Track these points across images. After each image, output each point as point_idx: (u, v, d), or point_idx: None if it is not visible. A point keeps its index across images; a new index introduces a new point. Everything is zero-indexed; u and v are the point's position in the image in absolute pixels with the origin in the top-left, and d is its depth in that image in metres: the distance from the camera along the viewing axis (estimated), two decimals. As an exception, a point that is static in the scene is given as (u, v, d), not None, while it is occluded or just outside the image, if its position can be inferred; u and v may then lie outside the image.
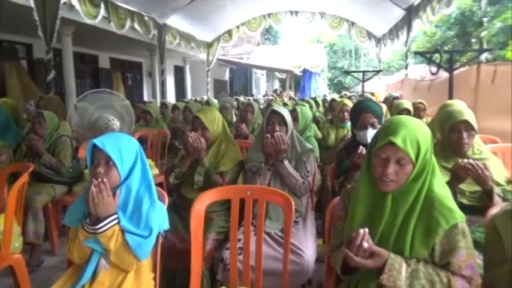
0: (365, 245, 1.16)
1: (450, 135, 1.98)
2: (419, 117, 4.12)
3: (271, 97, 12.40)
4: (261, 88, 23.35)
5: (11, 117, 3.45)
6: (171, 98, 12.61)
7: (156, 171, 3.79)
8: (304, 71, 18.01)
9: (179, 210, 2.27)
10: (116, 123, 3.67)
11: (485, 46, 5.43)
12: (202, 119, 2.32)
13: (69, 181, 3.19)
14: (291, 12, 11.69)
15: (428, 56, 4.79)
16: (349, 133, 3.20)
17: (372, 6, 9.38)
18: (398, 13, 8.86)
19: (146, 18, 8.17)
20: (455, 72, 4.20)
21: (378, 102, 4.40)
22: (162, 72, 10.03)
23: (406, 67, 9.85)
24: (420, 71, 14.24)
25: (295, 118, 3.20)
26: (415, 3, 7.89)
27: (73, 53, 7.08)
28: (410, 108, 4.19)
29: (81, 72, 10.22)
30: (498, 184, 1.91)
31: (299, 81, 20.21)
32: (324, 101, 8.52)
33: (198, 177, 2.23)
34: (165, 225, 1.49)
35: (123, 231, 1.40)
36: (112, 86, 11.15)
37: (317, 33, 31.07)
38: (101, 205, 1.35)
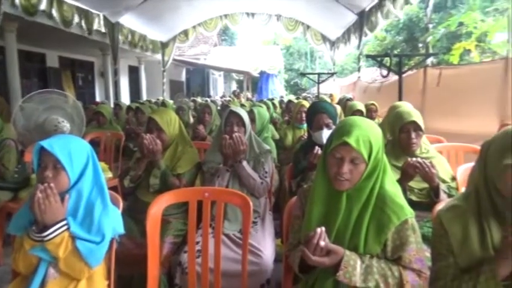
0: (322, 243, 1.18)
1: (400, 136, 2.07)
2: (372, 118, 4.29)
3: (228, 98, 12.38)
4: (219, 89, 23.25)
5: None
6: (125, 99, 12.23)
7: (110, 174, 3.66)
8: (262, 72, 18.13)
9: (135, 214, 2.20)
10: (66, 125, 3.49)
11: (430, 51, 5.74)
12: (158, 121, 2.27)
13: (15, 187, 3.01)
14: (248, 13, 11.74)
15: (379, 59, 4.97)
16: (306, 134, 3.27)
17: (326, 11, 9.63)
18: (351, 18, 9.16)
19: (95, 16, 7.86)
20: (404, 75, 4.40)
21: (332, 103, 4.51)
22: (116, 72, 9.70)
23: (359, 70, 10.23)
24: (372, 73, 14.81)
25: (252, 119, 3.21)
26: (367, 9, 8.20)
27: (18, 51, 6.66)
28: (363, 109, 4.34)
29: (27, 72, 9.65)
30: (444, 181, 2.02)
31: (256, 83, 20.31)
32: (281, 102, 8.62)
33: (154, 180, 2.18)
34: (120, 229, 1.45)
35: (73, 237, 1.34)
36: (61, 86, 10.63)
37: (273, 36, 31.41)
38: (48, 211, 1.28)
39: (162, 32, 11.70)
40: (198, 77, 20.50)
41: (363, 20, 8.52)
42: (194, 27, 12.14)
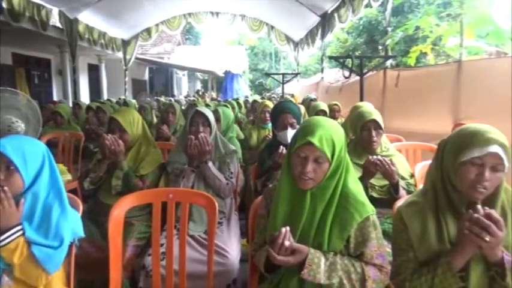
0: (286, 243, 1.20)
1: (361, 134, 2.14)
2: (334, 118, 4.38)
3: (193, 98, 12.24)
4: (183, 89, 22.93)
5: None
6: (85, 98, 11.80)
7: (69, 176, 3.51)
8: (226, 72, 18.08)
9: (96, 217, 2.13)
10: (21, 125, 3.32)
11: (389, 53, 5.94)
12: (120, 121, 2.21)
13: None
14: (212, 13, 11.65)
15: (341, 60, 5.09)
16: (270, 133, 3.29)
17: (290, 12, 9.73)
18: (314, 19, 9.32)
19: (50, 10, 7.50)
20: (365, 76, 4.54)
21: (296, 103, 4.58)
22: (74, 71, 9.32)
23: (322, 70, 10.41)
24: (334, 74, 15.13)
25: (217, 119, 3.19)
26: (329, 11, 8.38)
27: (-34, 47, 6.27)
28: (326, 109, 4.43)
29: (-23, 69, 9.12)
30: (403, 178, 2.11)
31: (221, 83, 20.24)
32: (246, 102, 8.64)
33: (117, 182, 2.12)
34: (80, 233, 1.40)
35: (29, 243, 1.28)
36: (15, 84, 10.09)
37: (238, 36, 31.41)
38: (2, 216, 1.22)
39: (124, 30, 11.37)
40: (161, 76, 20.11)
41: (325, 22, 8.70)
42: (157, 25, 11.89)
